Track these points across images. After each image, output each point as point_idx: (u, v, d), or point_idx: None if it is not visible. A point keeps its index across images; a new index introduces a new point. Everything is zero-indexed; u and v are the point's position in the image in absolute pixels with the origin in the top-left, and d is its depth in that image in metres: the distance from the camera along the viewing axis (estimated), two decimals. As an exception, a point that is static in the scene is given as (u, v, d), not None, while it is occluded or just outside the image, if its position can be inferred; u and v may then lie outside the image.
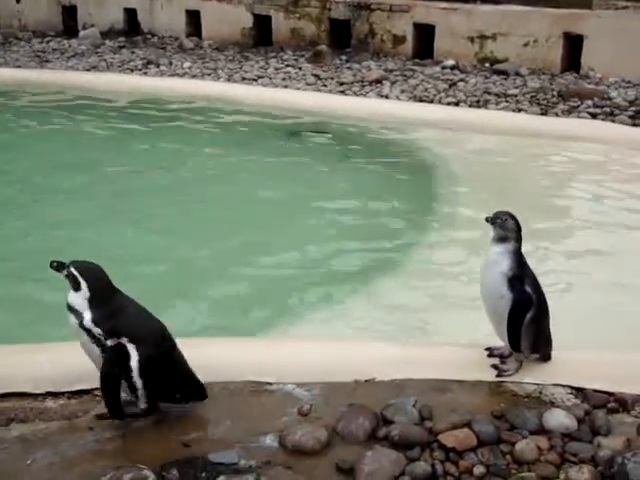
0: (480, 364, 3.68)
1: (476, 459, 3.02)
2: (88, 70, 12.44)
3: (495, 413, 3.29)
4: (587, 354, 3.86)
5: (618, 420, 3.29)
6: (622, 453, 2.92)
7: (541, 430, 3.20)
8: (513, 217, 3.50)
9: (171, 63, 12.63)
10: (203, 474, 2.96)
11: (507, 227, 3.46)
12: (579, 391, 3.48)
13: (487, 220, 3.53)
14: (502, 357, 3.63)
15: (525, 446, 3.06)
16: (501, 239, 3.47)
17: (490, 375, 3.58)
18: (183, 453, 3.10)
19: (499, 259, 3.45)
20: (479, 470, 2.97)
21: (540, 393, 3.47)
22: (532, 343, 3.52)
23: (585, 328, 4.49)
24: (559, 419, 3.22)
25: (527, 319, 3.42)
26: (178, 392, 3.31)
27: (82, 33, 15.03)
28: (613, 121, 9.06)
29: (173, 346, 3.30)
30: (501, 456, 3.05)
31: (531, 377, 3.57)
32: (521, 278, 3.42)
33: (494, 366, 3.60)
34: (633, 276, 5.29)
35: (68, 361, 3.64)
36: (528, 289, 3.43)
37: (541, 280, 3.57)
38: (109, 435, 3.21)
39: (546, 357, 3.64)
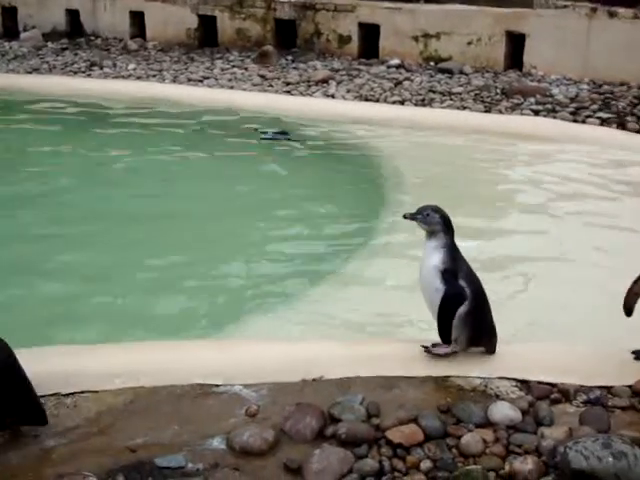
0: (426, 360, 3.70)
1: (423, 454, 3.05)
2: (30, 72, 12.23)
3: (441, 408, 3.32)
4: (531, 347, 3.92)
5: (561, 410, 3.35)
6: (564, 442, 2.96)
7: (486, 423, 3.24)
8: (437, 211, 3.53)
9: (115, 65, 12.50)
10: (150, 479, 2.93)
11: (430, 222, 3.50)
12: (523, 383, 3.54)
13: (405, 217, 3.57)
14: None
15: (471, 439, 3.10)
16: (430, 234, 3.51)
17: (436, 370, 3.61)
18: (129, 458, 3.06)
19: (431, 253, 3.49)
20: (426, 465, 2.99)
21: (485, 387, 3.51)
22: (470, 336, 3.56)
23: (530, 320, 4.59)
24: (504, 411, 3.27)
25: (461, 312, 3.47)
26: (10, 416, 3.14)
27: (23, 35, 14.76)
28: (555, 117, 9.24)
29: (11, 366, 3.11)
30: (447, 450, 3.08)
31: (477, 371, 3.61)
32: (454, 272, 3.46)
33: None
34: (578, 267, 5.40)
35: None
36: (462, 282, 3.47)
37: (488, 271, 3.63)
38: (54, 443, 3.16)
39: (490, 350, 3.68)
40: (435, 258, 3.47)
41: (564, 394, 3.45)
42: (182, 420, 3.30)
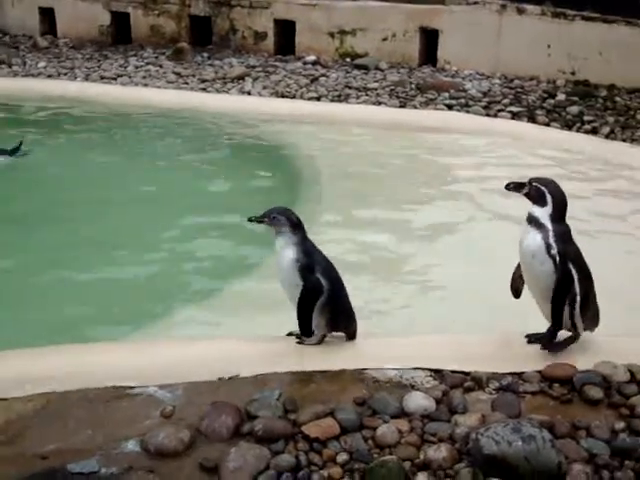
0: (342, 353, 3.73)
1: (339, 447, 3.06)
2: None
3: (357, 400, 3.34)
4: (446, 337, 3.98)
5: (474, 398, 3.41)
6: (477, 429, 3.02)
7: (402, 413, 3.27)
8: (282, 213, 3.63)
9: (25, 63, 12.17)
10: (62, 486, 2.86)
11: (277, 223, 3.63)
12: (437, 373, 3.59)
13: (250, 220, 3.68)
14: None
15: (386, 430, 3.12)
16: (279, 234, 3.64)
17: (352, 363, 3.63)
18: (40, 466, 2.98)
19: (284, 251, 3.62)
20: (342, 457, 3.00)
21: (401, 377, 3.55)
22: (328, 323, 3.70)
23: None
24: (418, 401, 3.31)
25: (319, 303, 3.61)
26: None
27: None
28: (468, 112, 9.43)
29: None
30: (363, 442, 3.09)
31: (392, 363, 3.64)
32: (310, 266, 3.59)
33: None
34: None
35: None
36: (318, 275, 3.59)
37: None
38: (-42, 454, 3.05)
39: (350, 335, 3.81)
40: (289, 255, 3.59)
41: (477, 382, 3.51)
42: (95, 424, 3.22)
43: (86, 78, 11.27)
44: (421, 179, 7.56)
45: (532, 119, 9.14)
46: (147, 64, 11.99)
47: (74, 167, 7.99)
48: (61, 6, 14.10)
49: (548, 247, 3.61)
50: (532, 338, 3.81)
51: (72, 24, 13.99)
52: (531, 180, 3.73)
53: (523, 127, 8.89)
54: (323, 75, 11.20)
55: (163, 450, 3.01)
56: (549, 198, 3.66)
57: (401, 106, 9.76)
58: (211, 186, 7.38)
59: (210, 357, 3.67)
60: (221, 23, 13.17)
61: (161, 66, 11.84)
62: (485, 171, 7.63)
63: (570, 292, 3.63)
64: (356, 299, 3.88)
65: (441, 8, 11.83)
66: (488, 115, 9.34)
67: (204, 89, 10.63)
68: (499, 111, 9.42)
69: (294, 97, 10.19)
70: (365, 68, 11.56)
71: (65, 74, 11.51)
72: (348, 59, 12.17)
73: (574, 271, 3.63)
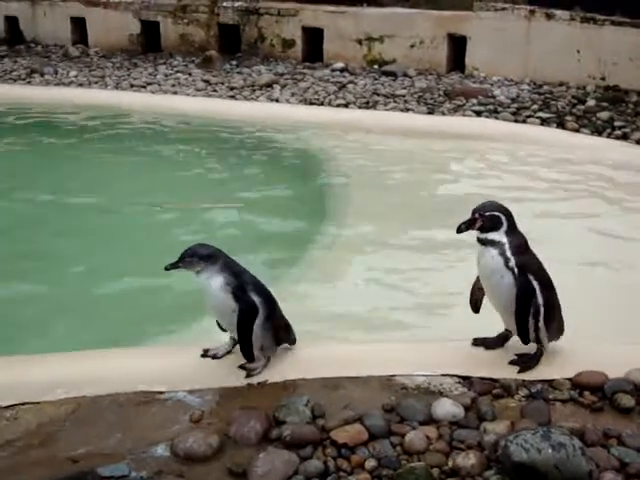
0: (371, 360, 3.73)
1: (367, 453, 3.06)
2: (-33, 81, 11.98)
3: (386, 407, 3.34)
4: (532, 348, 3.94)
5: (503, 405, 3.40)
6: (506, 436, 3.01)
7: (430, 420, 3.27)
8: (194, 254, 3.53)
9: (57, 72, 12.30)
10: (92, 489, 2.89)
11: (192, 266, 3.54)
12: (466, 380, 3.58)
13: (166, 269, 3.58)
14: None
15: (414, 437, 3.12)
16: (198, 272, 3.55)
17: (380, 370, 3.63)
18: (71, 469, 3.02)
19: (211, 282, 3.53)
20: (370, 464, 3.01)
21: (429, 384, 3.55)
22: (272, 339, 3.64)
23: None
24: (446, 408, 3.30)
25: (258, 323, 3.54)
26: None
27: (-40, 43, 14.46)
28: (496, 118, 9.38)
29: None
30: (392, 448, 3.09)
31: (420, 369, 3.64)
32: (241, 287, 3.52)
33: (242, 367, 3.64)
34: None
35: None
36: (251, 295, 3.52)
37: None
38: (-7, 456, 3.10)
39: (291, 342, 3.79)
40: (217, 282, 3.51)
41: (506, 389, 3.49)
42: (125, 428, 3.26)
43: (116, 87, 11.38)
44: (452, 187, 7.51)
45: (561, 125, 9.07)
46: (176, 72, 12.09)
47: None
48: (92, 16, 14.28)
49: (506, 260, 3.57)
50: (479, 342, 3.82)
51: (103, 33, 14.16)
52: (479, 212, 3.62)
53: (552, 133, 8.81)
54: (351, 82, 11.22)
55: (192, 455, 3.03)
56: (504, 219, 3.62)
57: (429, 113, 9.73)
58: (237, 193, 7.40)
59: (238, 363, 3.67)
60: (249, 31, 13.25)
61: (190, 74, 11.93)
62: (516, 178, 7.57)
63: (533, 304, 3.58)
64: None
65: (469, 14, 11.79)
66: (517, 121, 9.27)
67: (232, 97, 10.69)
68: (528, 117, 9.35)
69: (322, 104, 10.20)
70: (393, 75, 11.56)
71: (96, 83, 11.63)
72: (376, 66, 12.18)
73: (535, 282, 3.58)
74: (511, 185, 7.31)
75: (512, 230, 3.62)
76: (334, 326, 4.62)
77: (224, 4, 13.36)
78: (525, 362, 3.69)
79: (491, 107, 9.75)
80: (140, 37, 13.94)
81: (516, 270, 3.55)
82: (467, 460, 2.97)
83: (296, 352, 3.82)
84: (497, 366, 3.67)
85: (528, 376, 3.58)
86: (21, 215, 6.77)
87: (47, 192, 7.31)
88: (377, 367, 3.66)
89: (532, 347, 3.72)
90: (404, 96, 10.42)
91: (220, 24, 13.42)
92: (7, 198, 7.17)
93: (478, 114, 9.58)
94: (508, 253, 3.56)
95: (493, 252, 3.58)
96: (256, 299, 3.54)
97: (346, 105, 10.11)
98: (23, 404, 3.42)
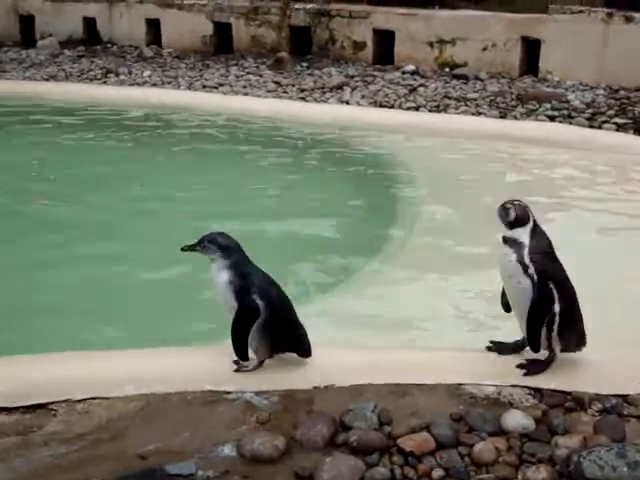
0: (439, 367, 3.68)
1: (435, 462, 3.02)
2: (46, 80, 12.32)
3: (454, 416, 3.29)
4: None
5: (575, 419, 3.31)
6: (579, 451, 2.93)
7: (499, 431, 3.20)
8: (213, 241, 3.54)
9: (131, 72, 12.57)
10: (160, 486, 2.92)
11: (208, 251, 3.55)
12: (537, 391, 3.50)
13: (183, 249, 3.61)
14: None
15: (483, 448, 3.06)
16: (213, 260, 3.55)
17: (449, 378, 3.58)
18: (140, 465, 3.05)
19: (219, 275, 3.53)
20: (438, 473, 2.96)
21: (499, 394, 3.48)
22: (269, 345, 3.59)
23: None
24: (517, 420, 3.23)
25: (256, 326, 3.50)
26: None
27: (40, 43, 14.89)
28: (571, 123, 9.19)
29: None
30: (460, 458, 3.04)
31: (490, 379, 3.57)
32: (245, 288, 3.49)
33: (235, 362, 3.64)
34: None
35: (22, 375, 3.58)
36: (255, 297, 3.49)
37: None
38: (64, 450, 3.15)
39: (303, 354, 3.69)
40: (223, 278, 3.51)
41: (578, 402, 3.40)
42: (193, 427, 3.28)
43: (189, 87, 11.56)
44: (525, 192, 7.34)
45: (639, 131, 8.83)
46: (248, 73, 12.21)
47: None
48: (166, 17, 14.53)
49: (525, 267, 3.49)
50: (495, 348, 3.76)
51: (176, 34, 14.39)
52: (512, 205, 3.57)
53: (629, 139, 8.57)
54: (422, 85, 11.15)
55: (258, 456, 3.03)
56: (531, 215, 3.55)
57: (501, 117, 9.60)
58: (308, 195, 7.42)
59: (306, 365, 3.68)
60: (321, 33, 13.29)
61: (261, 75, 12.03)
62: (592, 186, 7.38)
63: (549, 312, 3.50)
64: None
65: (544, 17, 11.59)
66: (592, 127, 9.07)
67: (303, 98, 10.74)
68: (603, 122, 9.13)
69: (392, 107, 10.17)
70: (464, 78, 11.44)
71: (169, 83, 11.84)
72: (447, 69, 12.08)
73: (554, 290, 3.49)
74: (587, 196, 7.14)
75: (536, 230, 3.56)
76: (401, 330, 4.58)
77: (296, 6, 13.44)
78: (533, 367, 3.62)
79: (565, 112, 9.56)
80: (212, 38, 14.13)
81: (535, 277, 3.48)
82: (538, 474, 2.89)
83: (363, 356, 3.80)
84: (569, 378, 3.58)
85: (602, 390, 3.48)
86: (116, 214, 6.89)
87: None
88: (445, 374, 3.61)
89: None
90: (476, 100, 10.30)
91: (291, 26, 13.50)
92: (84, 200, 7.32)
93: (551, 119, 9.40)
94: (527, 260, 3.49)
95: (512, 256, 3.51)
96: (259, 302, 3.50)
97: (416, 108, 10.05)
98: (94, 399, 3.47)
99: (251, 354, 3.62)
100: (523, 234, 3.52)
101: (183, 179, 7.89)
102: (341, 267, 5.72)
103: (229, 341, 3.64)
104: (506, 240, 3.57)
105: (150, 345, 4.05)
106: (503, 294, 3.78)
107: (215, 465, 3.04)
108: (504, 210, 3.58)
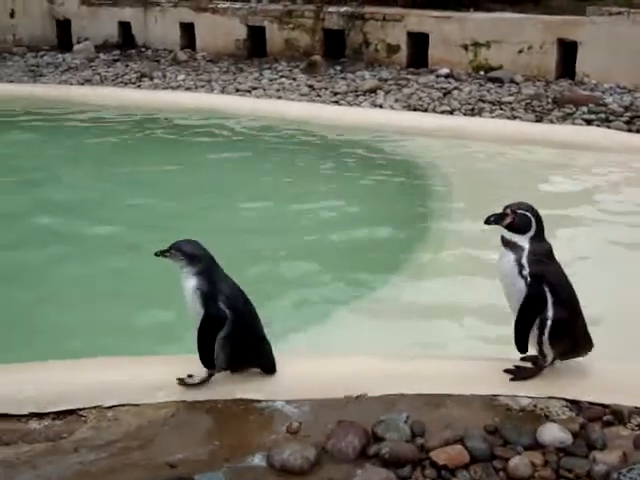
0: (473, 377, 3.61)
1: (468, 477, 2.94)
2: (82, 84, 12.43)
3: (489, 428, 3.21)
4: (582, 365, 3.77)
5: (614, 433, 3.21)
6: (618, 468, 2.84)
7: (535, 445, 3.11)
8: (179, 249, 3.51)
9: (165, 76, 12.63)
10: (188, 496, 2.89)
11: (175, 258, 3.52)
12: (574, 404, 3.40)
13: (156, 254, 3.57)
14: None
15: (519, 462, 2.98)
16: (181, 267, 3.51)
17: (483, 389, 3.50)
18: (169, 474, 3.02)
19: (187, 282, 3.49)
20: (472, 488, 2.89)
21: (534, 407, 3.39)
22: (229, 357, 3.51)
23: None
24: (554, 433, 3.14)
25: (221, 335, 3.44)
26: None
27: (76, 47, 15.04)
28: (608, 127, 9.03)
29: None
30: (494, 473, 2.96)
31: (525, 390, 3.49)
32: (212, 295, 3.44)
33: (179, 379, 3.56)
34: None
35: (53, 381, 3.58)
36: (221, 305, 3.44)
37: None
38: (94, 457, 3.13)
39: (266, 370, 3.62)
40: (190, 284, 3.48)
41: (617, 416, 3.30)
42: (222, 436, 3.25)
43: (222, 90, 11.58)
44: (561, 200, 7.22)
45: (679, 135, 8.66)
46: (281, 77, 12.19)
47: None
48: (201, 21, 14.59)
49: (520, 267, 3.43)
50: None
51: (210, 38, 14.44)
52: (512, 209, 3.50)
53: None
54: (456, 88, 11.04)
55: (288, 467, 2.98)
56: (534, 223, 3.48)
57: (537, 120, 9.47)
58: (340, 200, 7.37)
59: (337, 374, 3.63)
60: (354, 36, 13.24)
61: (294, 79, 12.01)
62: (631, 193, 7.22)
63: (541, 316, 3.42)
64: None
65: (581, 19, 11.41)
66: (630, 131, 8.90)
67: (336, 102, 10.69)
68: (643, 126, 8.97)
69: (426, 110, 10.08)
70: (499, 81, 11.30)
71: (202, 86, 11.87)
72: (482, 72, 11.95)
73: (548, 293, 3.41)
74: (623, 202, 6.98)
75: (538, 237, 3.50)
76: (434, 339, 4.51)
77: (329, 9, 13.40)
78: (520, 373, 3.56)
79: (602, 115, 9.40)
80: (246, 42, 14.15)
81: (529, 279, 3.42)
82: (575, 491, 2.81)
83: (395, 366, 3.73)
84: (607, 390, 3.48)
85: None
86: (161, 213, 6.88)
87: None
88: (479, 385, 3.54)
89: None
90: (511, 103, 10.17)
91: (325, 29, 13.47)
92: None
93: (588, 122, 9.25)
94: (524, 260, 3.44)
95: (510, 257, 3.46)
96: (226, 311, 3.45)
97: (451, 112, 9.95)
98: (124, 405, 3.46)
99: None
100: (523, 240, 3.48)
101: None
102: (372, 274, 5.65)
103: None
104: (506, 242, 3.51)
105: (181, 352, 4.02)
106: None
107: (244, 476, 3.00)
108: (502, 215, 3.52)
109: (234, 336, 3.48)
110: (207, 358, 3.50)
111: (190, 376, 3.57)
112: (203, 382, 3.56)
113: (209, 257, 3.54)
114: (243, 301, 3.55)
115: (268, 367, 3.63)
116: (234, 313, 3.47)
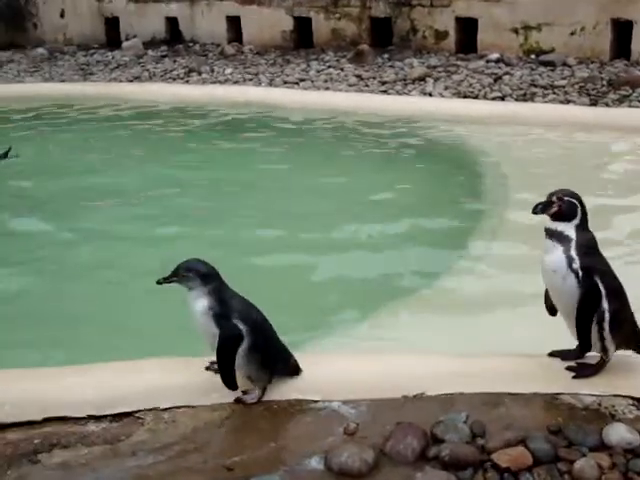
0: (534, 375, 3.51)
1: (532, 479, 2.86)
2: (131, 81, 12.53)
3: (552, 428, 3.11)
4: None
5: (684, 433, 3.09)
6: (690, 470, 2.72)
7: (601, 446, 3.00)
8: (190, 269, 3.37)
9: (213, 70, 12.65)
10: (247, 500, 2.86)
11: (187, 281, 3.38)
12: (640, 402, 3.29)
13: (159, 282, 3.40)
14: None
15: (585, 464, 2.88)
16: (190, 289, 3.38)
17: (545, 387, 3.40)
18: (226, 477, 3.00)
19: (196, 302, 3.38)
20: (536, 491, 2.81)
21: (599, 405, 3.28)
22: (259, 369, 3.44)
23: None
24: (621, 434, 3.02)
25: (241, 351, 3.35)
26: None
27: (125, 44, 15.15)
28: (668, 109, 8.76)
29: None
30: (559, 475, 2.86)
31: (589, 388, 3.38)
32: (225, 314, 3.34)
33: (237, 400, 3.45)
34: None
35: (110, 383, 3.58)
36: (236, 322, 3.34)
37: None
38: (152, 460, 3.13)
39: (291, 373, 3.56)
40: (202, 305, 3.36)
41: (687, 414, 3.18)
42: (279, 438, 3.21)
43: (270, 83, 11.54)
44: (620, 188, 7.01)
45: None
46: (328, 67, 12.10)
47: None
48: (247, 14, 14.57)
49: (570, 260, 3.29)
50: (556, 354, 3.58)
51: (257, 31, 14.42)
52: (558, 196, 3.36)
53: None
54: (507, 73, 10.82)
55: (347, 470, 2.93)
56: (579, 210, 3.34)
57: (592, 104, 9.24)
58: (386, 190, 7.28)
59: (395, 373, 3.56)
60: (401, 23, 13.08)
61: (342, 69, 11.91)
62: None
63: (597, 309, 3.29)
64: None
65: (636, -3, 11.08)
66: (691, 112, 8.62)
67: (384, 91, 10.58)
68: (703, 107, 8.68)
69: (477, 97, 9.91)
70: (552, 64, 11.05)
71: (250, 80, 11.85)
72: (533, 56, 11.70)
73: (601, 285, 3.28)
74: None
75: (583, 226, 3.37)
76: (491, 335, 4.41)
77: (376, -3, 13.27)
78: (583, 371, 3.45)
79: (661, 97, 9.12)
80: (293, 33, 14.09)
81: (580, 273, 3.29)
82: (645, 495, 2.70)
83: (453, 363, 3.66)
84: (677, 387, 3.35)
85: None
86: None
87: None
88: (540, 383, 3.44)
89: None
90: (564, 87, 9.94)
91: (372, 17, 13.33)
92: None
93: (646, 105, 8.98)
94: (573, 253, 3.31)
95: (558, 250, 3.33)
96: (241, 327, 3.36)
97: (502, 98, 9.77)
98: (179, 407, 3.45)
99: (251, 384, 3.48)
100: (569, 228, 3.35)
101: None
102: (422, 267, 5.56)
103: (315, 348, 3.56)
104: (551, 233, 3.38)
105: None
106: (546, 296, 3.60)
107: (302, 478, 2.96)
108: (548, 203, 3.39)
109: (255, 349, 3.40)
110: (229, 377, 3.42)
111: (245, 392, 3.49)
112: (260, 397, 3.47)
113: (217, 274, 3.46)
114: (256, 312, 3.47)
115: (294, 369, 3.57)
116: (251, 326, 3.39)
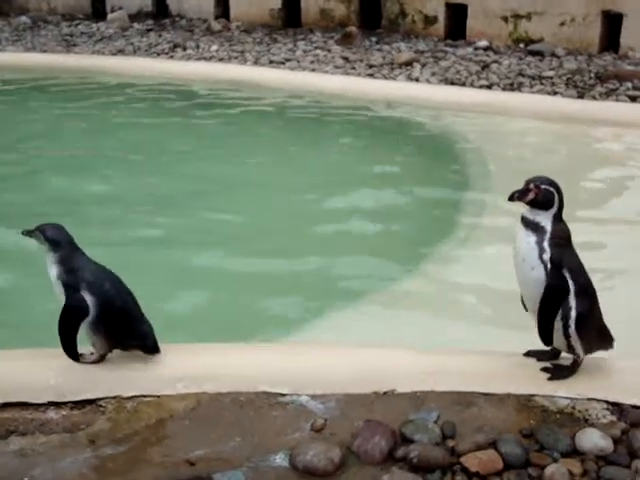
0: (508, 375, 3.43)
1: (501, 484, 2.79)
2: (114, 54, 12.29)
3: (524, 431, 3.04)
4: (625, 364, 3.57)
5: (658, 440, 3.02)
6: (663, 481, 2.66)
7: (573, 452, 2.93)
8: (43, 229, 3.43)
9: (198, 46, 12.42)
10: (207, 497, 2.77)
11: (38, 240, 3.44)
12: (616, 407, 3.21)
13: (23, 233, 3.50)
14: None
15: (556, 470, 2.80)
16: (44, 251, 3.42)
17: (519, 388, 3.33)
18: (188, 472, 2.91)
19: (49, 270, 3.42)
20: (504, 497, 2.73)
21: (573, 409, 3.21)
22: (105, 340, 3.46)
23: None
24: (593, 440, 2.96)
25: (87, 322, 3.37)
26: None
27: (110, 16, 14.84)
28: (654, 104, 8.69)
29: None
30: (529, 481, 2.80)
31: (564, 390, 3.30)
32: (74, 284, 3.34)
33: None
34: None
35: (72, 369, 3.47)
36: (84, 293, 3.34)
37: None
38: (110, 451, 3.03)
39: (149, 350, 3.52)
40: (52, 274, 3.41)
41: (663, 421, 3.11)
42: (244, 432, 3.12)
43: (255, 62, 11.35)
44: (602, 184, 6.94)
45: None
46: (315, 48, 11.91)
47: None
48: (235, -11, 14.32)
49: (541, 251, 3.20)
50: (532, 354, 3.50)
51: (245, 7, 14.17)
52: (535, 183, 3.25)
53: None
54: (495, 62, 10.70)
55: (312, 469, 2.85)
56: (556, 198, 3.25)
57: (579, 97, 9.13)
58: (371, 177, 7.19)
59: (366, 367, 3.47)
60: (391, 7, 12.91)
61: (329, 50, 11.73)
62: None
63: (564, 305, 3.21)
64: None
65: (628, -10, 10.98)
66: (677, 108, 8.55)
67: (371, 75, 10.42)
68: (690, 104, 8.61)
69: (464, 85, 9.78)
70: (540, 54, 10.95)
71: (235, 58, 11.64)
72: (522, 45, 11.59)
73: (570, 281, 3.20)
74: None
75: (559, 217, 3.28)
76: (466, 329, 4.34)
77: (366, -22, 13.08)
78: (557, 372, 3.37)
79: (648, 92, 9.03)
80: (281, 11, 13.87)
81: (549, 265, 3.20)
82: (616, 504, 2.64)
83: (425, 359, 3.57)
84: (653, 392, 3.28)
85: (688, 408, 3.17)
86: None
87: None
88: (515, 383, 3.36)
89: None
90: (551, 78, 9.84)
91: (361, -1, 13.15)
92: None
93: (633, 99, 8.92)
94: (546, 244, 3.22)
95: (531, 239, 3.24)
96: (88, 298, 3.35)
97: (489, 86, 9.66)
98: (144, 396, 3.34)
99: (91, 349, 3.50)
100: (545, 219, 3.25)
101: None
102: (411, 251, 5.48)
103: (287, 339, 3.47)
104: (527, 222, 3.28)
105: (203, 340, 3.90)
106: None
107: (265, 476, 2.87)
108: (525, 190, 3.28)
109: (104, 320, 3.39)
110: (69, 348, 3.43)
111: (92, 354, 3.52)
112: (96, 361, 3.48)
113: (71, 242, 3.45)
114: (111, 284, 3.44)
115: (149, 347, 3.52)
116: (100, 299, 3.37)
